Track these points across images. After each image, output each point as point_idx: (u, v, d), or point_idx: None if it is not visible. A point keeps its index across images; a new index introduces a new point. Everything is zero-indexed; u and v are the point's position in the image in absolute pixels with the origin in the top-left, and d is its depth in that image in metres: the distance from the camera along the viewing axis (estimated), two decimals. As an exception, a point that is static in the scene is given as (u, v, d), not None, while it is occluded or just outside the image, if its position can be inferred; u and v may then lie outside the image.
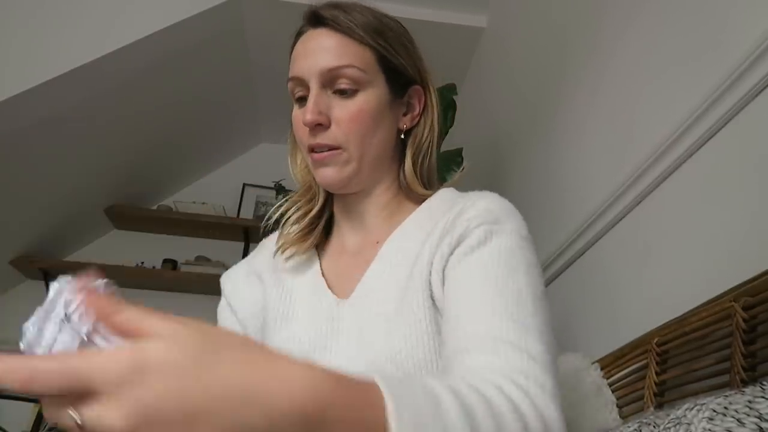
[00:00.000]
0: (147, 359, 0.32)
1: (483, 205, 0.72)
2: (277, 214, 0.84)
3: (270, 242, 0.89)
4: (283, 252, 0.82)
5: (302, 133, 0.77)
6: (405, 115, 0.82)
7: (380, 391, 0.40)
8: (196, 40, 2.38)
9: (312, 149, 0.76)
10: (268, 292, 0.83)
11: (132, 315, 0.34)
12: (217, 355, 0.33)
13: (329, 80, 0.75)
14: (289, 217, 0.83)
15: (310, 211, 0.83)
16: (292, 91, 0.79)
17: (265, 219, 0.85)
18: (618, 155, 1.50)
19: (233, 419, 0.32)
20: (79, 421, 0.31)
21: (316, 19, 0.77)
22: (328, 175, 0.76)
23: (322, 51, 0.75)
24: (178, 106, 2.70)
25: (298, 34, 0.80)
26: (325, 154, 0.75)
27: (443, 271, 0.69)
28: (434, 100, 0.83)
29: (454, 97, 2.12)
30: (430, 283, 0.69)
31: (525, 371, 0.52)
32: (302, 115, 0.75)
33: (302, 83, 0.76)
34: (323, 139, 0.75)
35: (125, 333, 0.34)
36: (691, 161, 1.23)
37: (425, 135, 0.82)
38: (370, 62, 0.76)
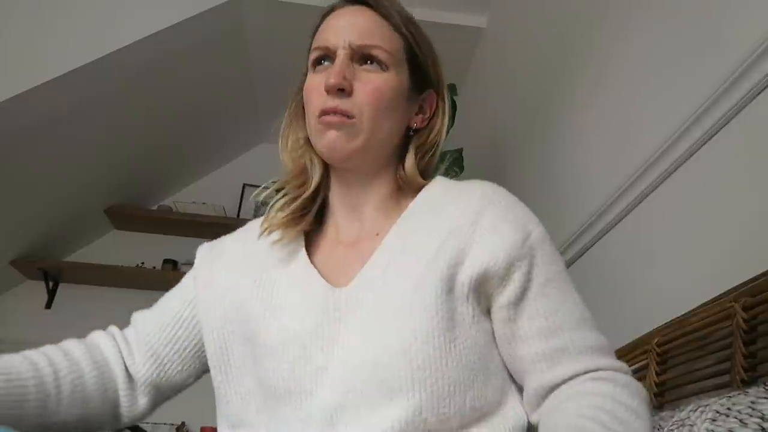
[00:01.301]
0: None
1: (503, 206, 0.74)
2: (263, 196, 0.81)
3: (256, 225, 0.84)
4: (269, 234, 0.78)
5: (317, 98, 0.74)
6: (417, 114, 0.82)
7: None
8: (197, 41, 2.38)
9: (324, 113, 0.73)
10: (242, 281, 0.79)
11: None
12: None
13: (357, 56, 0.75)
14: (277, 200, 0.80)
15: (302, 194, 0.79)
16: (313, 59, 0.77)
17: (253, 195, 0.82)
18: (618, 156, 1.50)
19: None
20: None
21: None
22: (334, 140, 0.73)
23: (356, 26, 0.75)
24: (179, 106, 2.70)
25: (331, 10, 0.80)
26: (337, 119, 0.73)
27: (487, 291, 0.70)
28: (446, 109, 0.84)
29: (454, 97, 2.12)
30: (449, 280, 0.68)
31: (614, 368, 0.68)
32: (324, 79, 0.73)
33: (328, 53, 0.76)
34: (341, 104, 0.72)
35: None
36: (690, 162, 1.23)
37: (431, 138, 0.82)
38: (399, 49, 0.77)
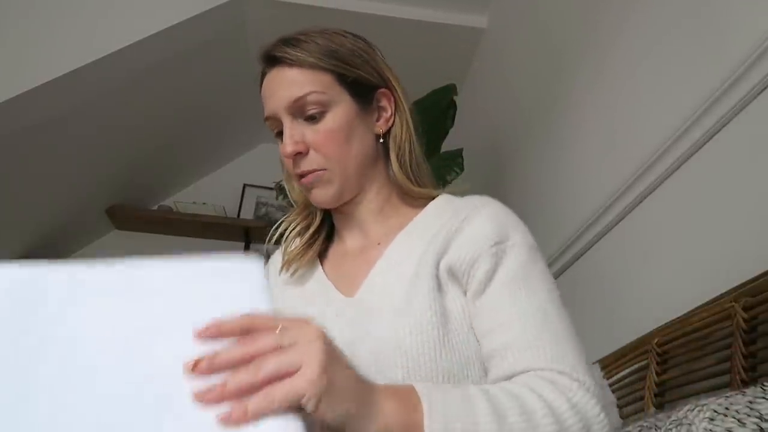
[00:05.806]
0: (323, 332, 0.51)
1: (489, 212, 0.77)
2: (278, 234, 0.90)
3: (275, 259, 0.95)
4: (288, 269, 0.87)
5: (288, 164, 0.82)
6: (378, 120, 0.85)
7: (419, 395, 0.55)
8: (198, 41, 2.38)
9: (301, 176, 0.82)
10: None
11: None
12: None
13: (297, 110, 0.79)
14: (289, 234, 0.89)
15: (310, 225, 0.89)
16: (271, 129, 0.84)
17: (267, 240, 0.91)
18: (618, 155, 1.50)
19: (352, 393, 0.51)
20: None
21: (271, 60, 0.82)
22: (319, 195, 0.82)
23: (283, 86, 0.80)
24: (179, 106, 2.70)
25: (262, 76, 0.85)
26: (310, 177, 0.80)
27: (462, 280, 0.74)
28: (402, 97, 0.87)
29: (455, 97, 2.12)
30: (437, 278, 0.74)
31: (562, 372, 0.63)
32: (283, 148, 0.81)
33: (276, 120, 0.81)
34: (306, 165, 0.80)
35: None
36: (690, 162, 1.23)
37: (403, 133, 0.86)
38: (329, 83, 0.80)
